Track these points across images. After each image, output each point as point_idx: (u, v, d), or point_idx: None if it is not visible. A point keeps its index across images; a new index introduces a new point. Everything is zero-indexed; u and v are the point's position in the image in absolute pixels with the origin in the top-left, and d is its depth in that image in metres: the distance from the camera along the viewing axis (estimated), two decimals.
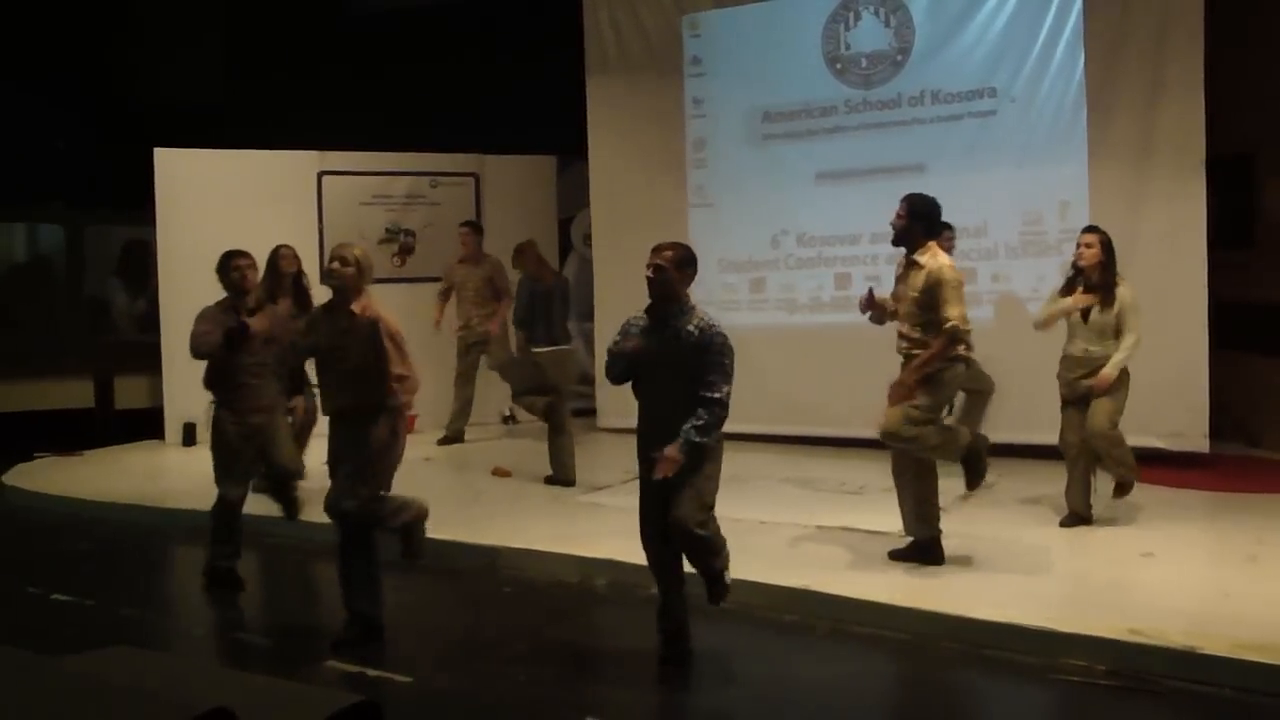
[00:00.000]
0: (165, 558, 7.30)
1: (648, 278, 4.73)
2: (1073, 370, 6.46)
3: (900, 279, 5.85)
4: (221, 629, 5.70)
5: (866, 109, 9.32)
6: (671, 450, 4.55)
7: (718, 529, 4.79)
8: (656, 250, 4.76)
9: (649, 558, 4.90)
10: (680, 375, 4.62)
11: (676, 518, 4.62)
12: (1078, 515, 6.59)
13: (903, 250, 5.87)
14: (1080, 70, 8.48)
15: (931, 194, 5.88)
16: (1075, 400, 6.48)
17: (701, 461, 4.65)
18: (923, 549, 5.85)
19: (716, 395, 4.59)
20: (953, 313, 5.56)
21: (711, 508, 4.74)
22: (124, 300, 12.02)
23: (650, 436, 4.72)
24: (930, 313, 5.62)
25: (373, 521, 5.13)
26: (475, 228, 9.92)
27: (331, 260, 5.10)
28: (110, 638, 4.68)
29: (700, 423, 4.57)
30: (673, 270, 4.70)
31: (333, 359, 5.09)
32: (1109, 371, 6.29)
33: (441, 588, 6.22)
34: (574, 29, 10.50)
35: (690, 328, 4.65)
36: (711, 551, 4.77)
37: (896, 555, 5.96)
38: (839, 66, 9.45)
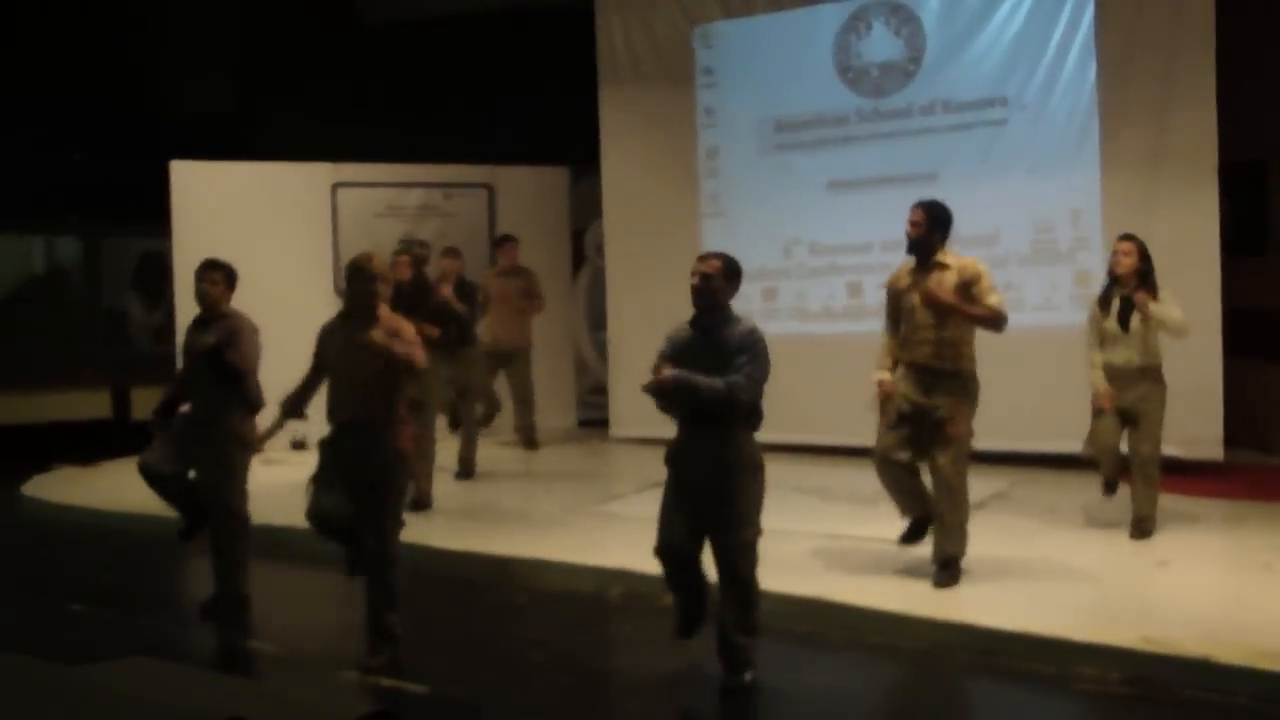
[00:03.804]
0: (182, 568, 7.34)
1: (693, 285, 4.58)
2: (1114, 381, 6.38)
3: (912, 285, 5.65)
4: (237, 639, 5.72)
5: (878, 119, 9.33)
6: (677, 374, 4.43)
7: (759, 600, 4.66)
8: (703, 259, 4.64)
9: (670, 569, 4.74)
10: None
11: (739, 571, 4.53)
12: (1111, 484, 6.54)
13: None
14: (1092, 78, 8.48)
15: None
16: (1114, 409, 6.40)
17: (748, 482, 4.54)
18: (952, 565, 5.71)
19: (742, 377, 4.44)
20: (997, 300, 5.54)
21: (759, 535, 4.61)
22: (141, 312, 12.12)
23: (687, 451, 4.60)
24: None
25: (397, 572, 5.07)
26: (514, 241, 9.85)
27: (365, 280, 5.01)
28: (127, 648, 4.72)
29: (717, 382, 4.41)
30: (720, 280, 4.58)
31: (349, 368, 5.02)
32: (1170, 312, 6.25)
33: (455, 598, 6.24)
34: (587, 40, 10.55)
35: (734, 338, 4.51)
36: (748, 615, 4.62)
37: (906, 538, 5.88)
38: (850, 76, 9.47)
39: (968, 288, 5.54)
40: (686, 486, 4.61)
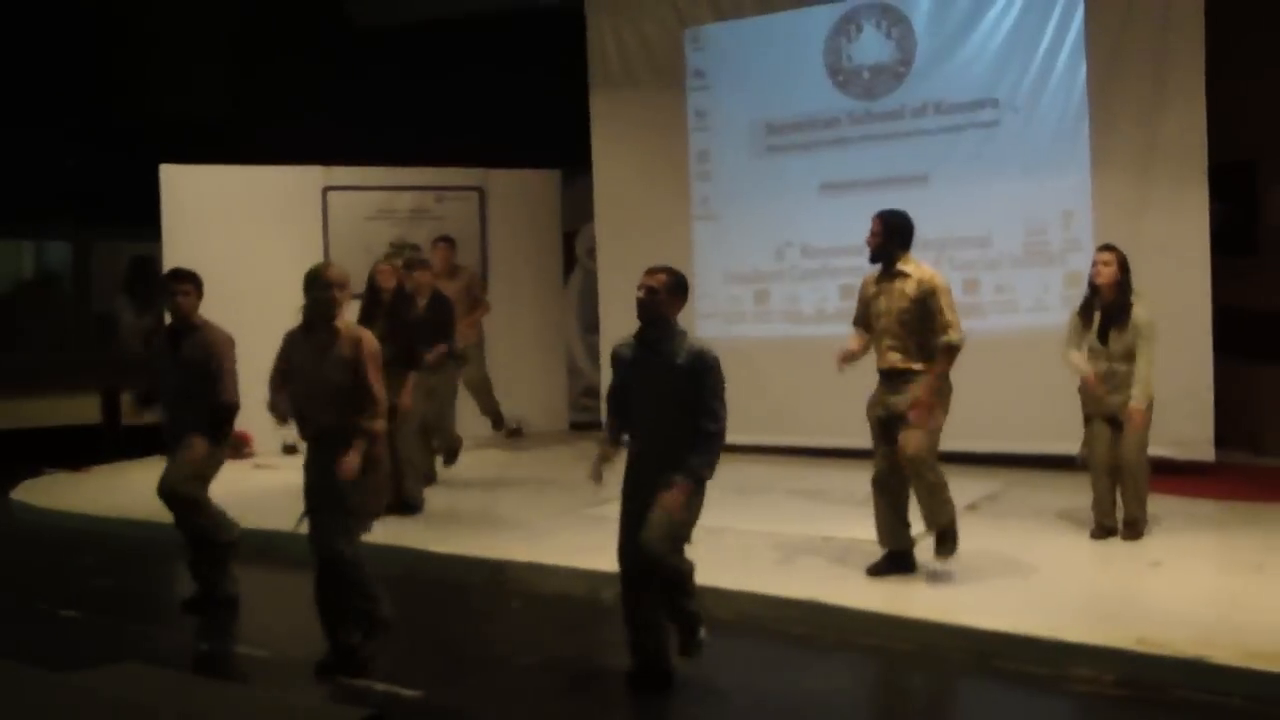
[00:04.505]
0: (173, 573, 7.31)
1: (638, 299, 4.67)
2: (1099, 387, 6.39)
3: (877, 293, 5.80)
4: (230, 644, 5.70)
5: (869, 121, 9.34)
6: (682, 483, 4.53)
7: (690, 571, 4.68)
8: (649, 273, 4.71)
9: (624, 594, 4.79)
10: (669, 401, 4.59)
11: (645, 540, 4.54)
12: (1105, 528, 6.49)
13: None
14: (1082, 80, 8.49)
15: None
16: (1101, 415, 6.42)
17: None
18: (948, 535, 5.74)
19: (717, 426, 4.57)
20: (952, 320, 5.60)
21: (686, 541, 4.66)
22: (131, 316, 12.09)
23: (640, 463, 4.70)
24: (924, 320, 5.62)
25: (359, 567, 4.99)
26: (450, 242, 9.77)
27: (321, 288, 4.96)
28: (119, 654, 4.70)
29: (705, 455, 4.56)
30: (664, 294, 4.65)
31: (314, 380, 4.97)
32: (1138, 405, 6.25)
33: (449, 601, 6.23)
34: (578, 43, 10.55)
35: (681, 354, 4.60)
36: (682, 589, 4.66)
37: (875, 570, 5.90)
38: (841, 79, 9.48)
39: (924, 300, 5.62)
40: (635, 496, 4.71)
